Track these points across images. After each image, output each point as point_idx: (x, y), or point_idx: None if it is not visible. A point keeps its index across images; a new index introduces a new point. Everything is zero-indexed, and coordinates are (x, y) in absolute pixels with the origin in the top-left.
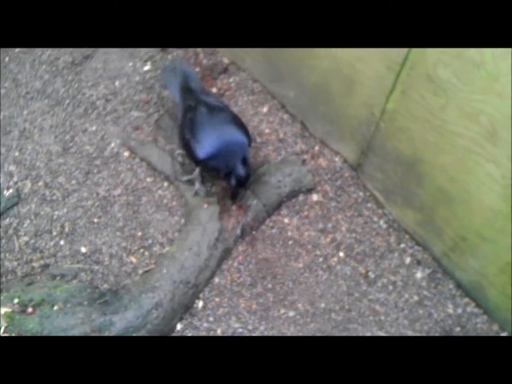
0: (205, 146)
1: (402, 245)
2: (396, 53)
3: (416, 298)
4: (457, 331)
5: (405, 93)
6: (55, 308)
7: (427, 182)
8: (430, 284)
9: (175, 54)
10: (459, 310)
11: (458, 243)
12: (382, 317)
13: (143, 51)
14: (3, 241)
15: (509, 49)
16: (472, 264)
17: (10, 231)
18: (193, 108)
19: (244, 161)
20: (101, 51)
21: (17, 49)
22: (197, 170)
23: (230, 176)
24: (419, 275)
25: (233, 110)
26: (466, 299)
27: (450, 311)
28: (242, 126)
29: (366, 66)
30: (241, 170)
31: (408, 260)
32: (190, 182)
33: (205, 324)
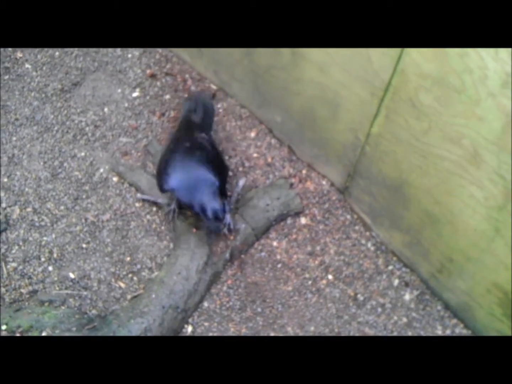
0: (170, 179)
1: (390, 267)
2: (378, 79)
3: (405, 320)
4: None
5: (389, 117)
6: (44, 334)
7: (412, 204)
8: (418, 306)
9: (164, 80)
10: (448, 332)
11: (444, 264)
12: None
13: (131, 78)
14: None
15: (488, 75)
16: (459, 285)
17: None
18: (179, 139)
19: (216, 195)
20: (90, 77)
21: (6, 76)
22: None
23: (205, 211)
24: (407, 297)
25: (219, 136)
26: (455, 320)
27: (439, 332)
28: (216, 167)
29: (349, 92)
30: (214, 203)
31: (396, 282)
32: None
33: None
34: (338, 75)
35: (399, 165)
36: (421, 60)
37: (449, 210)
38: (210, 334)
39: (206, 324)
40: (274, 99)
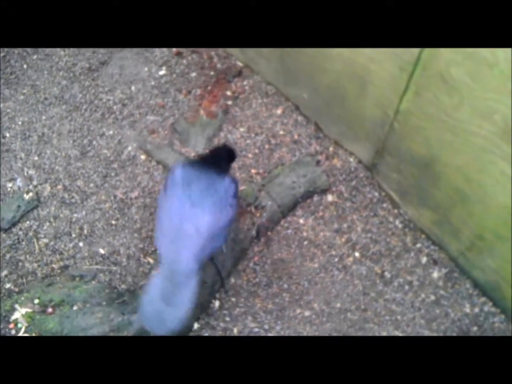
0: None
1: (418, 245)
2: (408, 54)
3: (432, 297)
4: (474, 330)
5: (418, 93)
6: (75, 308)
7: (442, 181)
8: (446, 284)
9: (190, 58)
10: (476, 310)
11: (474, 242)
12: (399, 317)
13: (158, 56)
14: (23, 243)
15: None
16: (489, 264)
17: (30, 234)
18: None
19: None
20: (117, 56)
21: (35, 56)
22: None
23: None
24: (435, 274)
25: (246, 114)
26: (483, 299)
27: (467, 310)
28: None
29: (378, 67)
30: None
31: (424, 259)
32: None
33: (222, 324)
34: (367, 49)
35: (429, 141)
36: None
37: (480, 187)
38: (237, 310)
39: (233, 299)
40: (301, 76)
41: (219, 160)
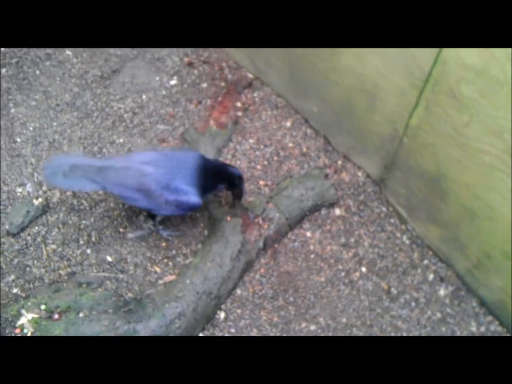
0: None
1: (426, 262)
2: (419, 70)
3: (439, 315)
4: None
5: (428, 109)
6: (81, 315)
7: (451, 198)
8: (453, 302)
9: (201, 69)
10: (482, 329)
11: (482, 260)
12: (404, 334)
13: (169, 66)
14: (31, 248)
15: None
16: (496, 282)
17: (39, 239)
18: None
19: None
20: (129, 65)
21: (47, 62)
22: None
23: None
24: (442, 292)
25: (255, 125)
26: (490, 317)
27: (473, 329)
28: None
29: (388, 83)
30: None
31: (431, 276)
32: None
33: (227, 335)
34: (377, 64)
35: (438, 158)
36: (463, 50)
37: (488, 205)
38: (242, 322)
39: (238, 311)
40: (310, 89)
41: (213, 177)
